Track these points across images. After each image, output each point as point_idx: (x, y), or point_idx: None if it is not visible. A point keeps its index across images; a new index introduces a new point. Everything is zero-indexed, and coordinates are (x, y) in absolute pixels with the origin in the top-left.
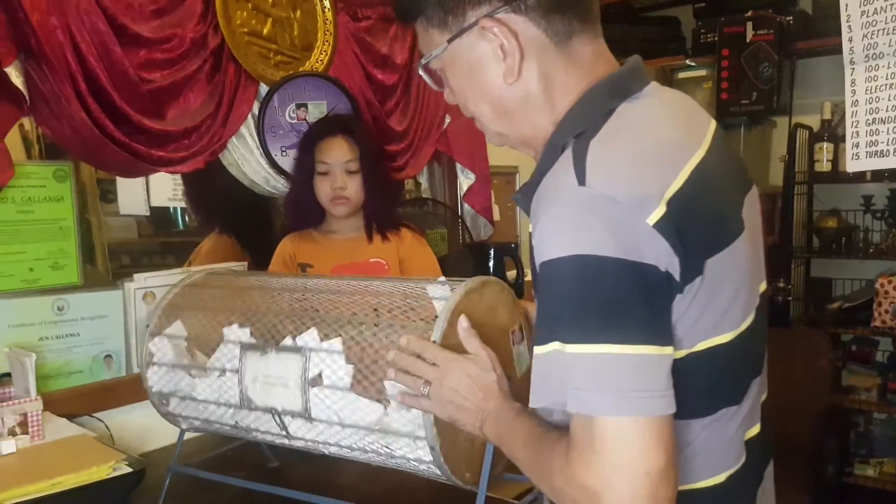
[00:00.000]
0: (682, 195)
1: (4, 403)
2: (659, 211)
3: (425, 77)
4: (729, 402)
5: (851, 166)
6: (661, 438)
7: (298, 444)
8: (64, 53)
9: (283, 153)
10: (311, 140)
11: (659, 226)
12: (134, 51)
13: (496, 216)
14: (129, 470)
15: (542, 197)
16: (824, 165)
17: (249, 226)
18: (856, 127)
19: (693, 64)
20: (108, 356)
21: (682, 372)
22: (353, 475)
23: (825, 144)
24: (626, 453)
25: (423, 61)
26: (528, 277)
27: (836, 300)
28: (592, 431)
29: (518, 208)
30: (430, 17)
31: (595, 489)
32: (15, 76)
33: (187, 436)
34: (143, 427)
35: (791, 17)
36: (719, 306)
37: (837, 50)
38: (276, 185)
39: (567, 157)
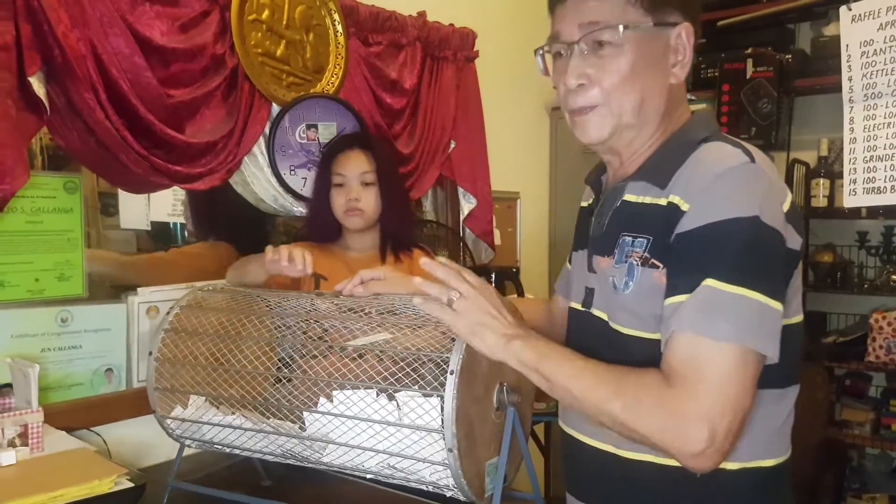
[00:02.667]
0: (791, 200)
1: (5, 414)
2: (788, 201)
3: (582, 44)
4: (796, 380)
5: (849, 202)
6: (755, 382)
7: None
8: (86, 65)
9: (293, 172)
10: (329, 155)
11: (789, 213)
12: (156, 65)
13: (497, 240)
14: (131, 485)
15: (706, 172)
16: (820, 201)
17: (250, 240)
18: (853, 164)
19: (694, 98)
20: (109, 370)
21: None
22: (350, 493)
23: (821, 180)
24: (733, 387)
25: (610, 23)
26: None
27: (830, 334)
28: (708, 360)
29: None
30: None
31: (690, 414)
32: (37, 86)
33: (184, 452)
34: (140, 442)
35: (790, 56)
36: (800, 290)
37: (834, 88)
38: (283, 204)
39: (720, 145)
